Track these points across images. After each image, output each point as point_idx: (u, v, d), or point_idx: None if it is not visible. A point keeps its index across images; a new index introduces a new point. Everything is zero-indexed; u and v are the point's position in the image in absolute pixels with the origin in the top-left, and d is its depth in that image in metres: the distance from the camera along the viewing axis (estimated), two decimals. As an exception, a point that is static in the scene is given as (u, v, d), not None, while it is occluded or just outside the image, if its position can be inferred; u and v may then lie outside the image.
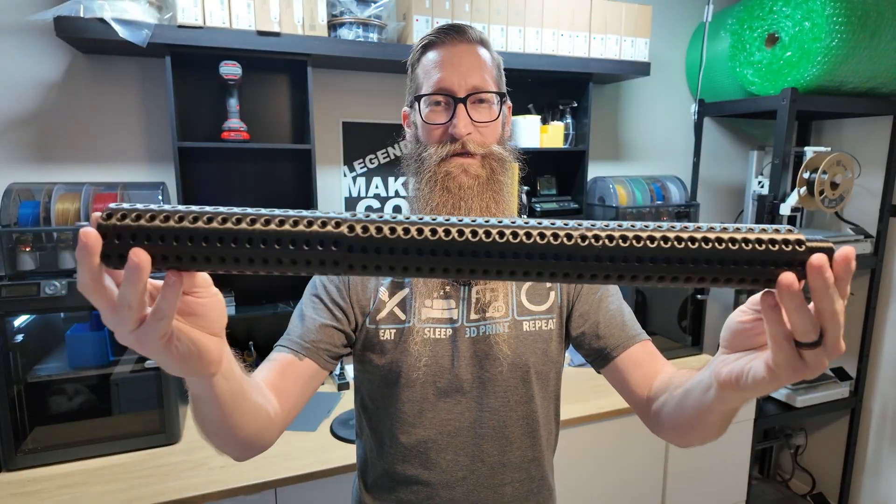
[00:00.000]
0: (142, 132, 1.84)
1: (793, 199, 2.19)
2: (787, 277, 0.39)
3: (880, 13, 2.00)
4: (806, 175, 2.18)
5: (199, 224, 0.38)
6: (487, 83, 0.85)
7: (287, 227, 0.38)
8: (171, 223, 0.38)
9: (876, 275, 2.46)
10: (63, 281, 1.44)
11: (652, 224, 0.41)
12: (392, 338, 0.87)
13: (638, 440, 1.95)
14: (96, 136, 1.79)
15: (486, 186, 0.85)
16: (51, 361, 1.57)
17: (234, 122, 1.78)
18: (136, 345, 0.42)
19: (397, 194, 2.21)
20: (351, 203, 2.15)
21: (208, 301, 0.47)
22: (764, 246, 0.40)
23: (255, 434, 0.67)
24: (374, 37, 1.82)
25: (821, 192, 2.17)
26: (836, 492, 2.67)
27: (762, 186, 2.45)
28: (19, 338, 1.50)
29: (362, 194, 2.16)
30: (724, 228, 0.41)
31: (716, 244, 0.40)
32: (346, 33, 1.79)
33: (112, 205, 0.39)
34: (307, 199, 1.94)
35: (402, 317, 0.88)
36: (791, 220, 2.73)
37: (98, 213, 0.39)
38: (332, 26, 1.79)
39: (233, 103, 1.78)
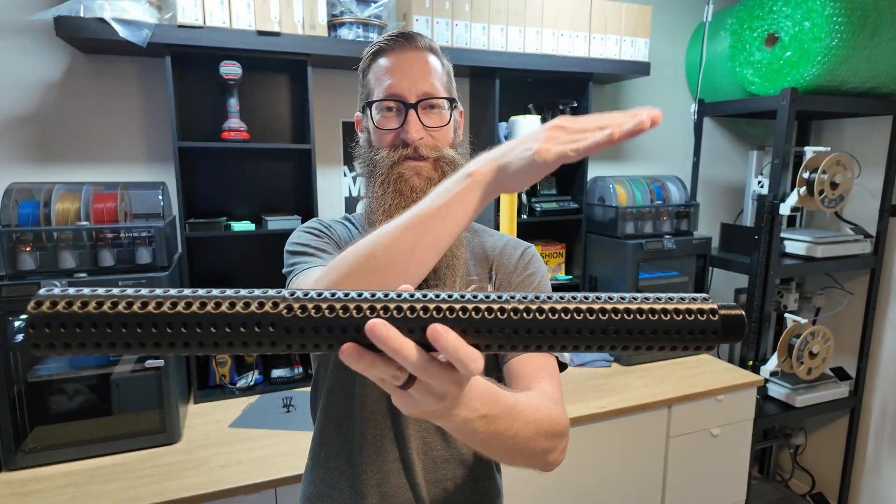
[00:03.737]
0: (142, 132, 1.84)
1: (793, 199, 2.19)
2: (348, 348, 0.40)
3: (880, 13, 2.00)
4: (806, 175, 2.18)
5: (134, 308, 0.37)
6: (437, 89, 0.85)
7: (224, 309, 0.38)
8: (105, 309, 0.37)
9: (876, 275, 2.46)
10: (63, 281, 1.44)
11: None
12: None
13: (638, 440, 1.96)
14: (96, 136, 1.79)
15: None
16: (51, 361, 1.57)
17: (234, 122, 1.78)
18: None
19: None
20: (351, 202, 2.15)
21: None
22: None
23: None
24: (374, 37, 1.82)
25: (821, 192, 2.17)
26: (835, 491, 2.68)
27: (762, 186, 2.45)
28: (19, 338, 1.50)
29: (362, 194, 2.15)
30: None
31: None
32: (346, 33, 1.79)
33: (42, 291, 0.38)
34: (307, 198, 1.94)
35: None
36: (791, 220, 2.74)
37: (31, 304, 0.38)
38: (332, 26, 1.79)
39: (233, 103, 1.78)
